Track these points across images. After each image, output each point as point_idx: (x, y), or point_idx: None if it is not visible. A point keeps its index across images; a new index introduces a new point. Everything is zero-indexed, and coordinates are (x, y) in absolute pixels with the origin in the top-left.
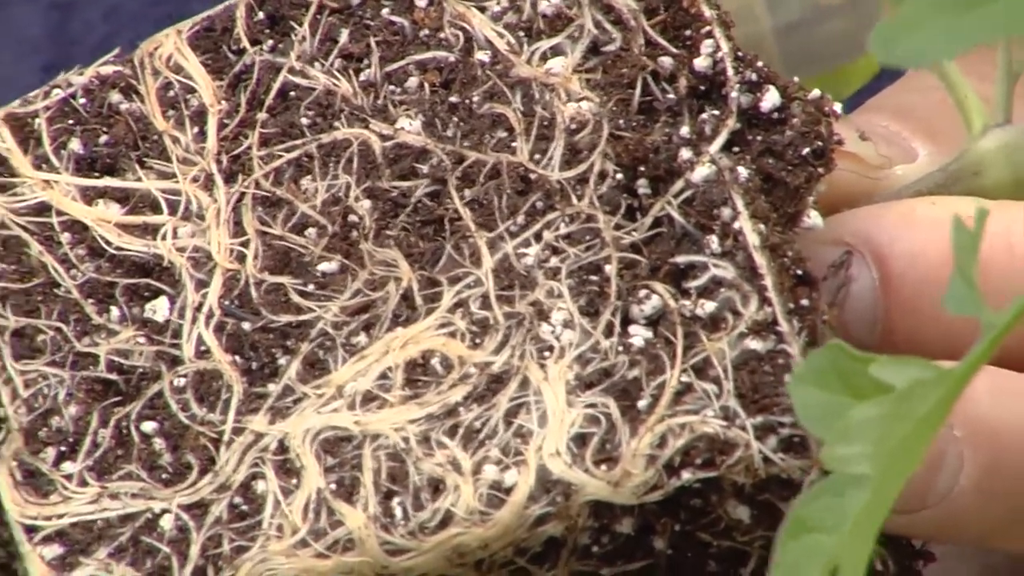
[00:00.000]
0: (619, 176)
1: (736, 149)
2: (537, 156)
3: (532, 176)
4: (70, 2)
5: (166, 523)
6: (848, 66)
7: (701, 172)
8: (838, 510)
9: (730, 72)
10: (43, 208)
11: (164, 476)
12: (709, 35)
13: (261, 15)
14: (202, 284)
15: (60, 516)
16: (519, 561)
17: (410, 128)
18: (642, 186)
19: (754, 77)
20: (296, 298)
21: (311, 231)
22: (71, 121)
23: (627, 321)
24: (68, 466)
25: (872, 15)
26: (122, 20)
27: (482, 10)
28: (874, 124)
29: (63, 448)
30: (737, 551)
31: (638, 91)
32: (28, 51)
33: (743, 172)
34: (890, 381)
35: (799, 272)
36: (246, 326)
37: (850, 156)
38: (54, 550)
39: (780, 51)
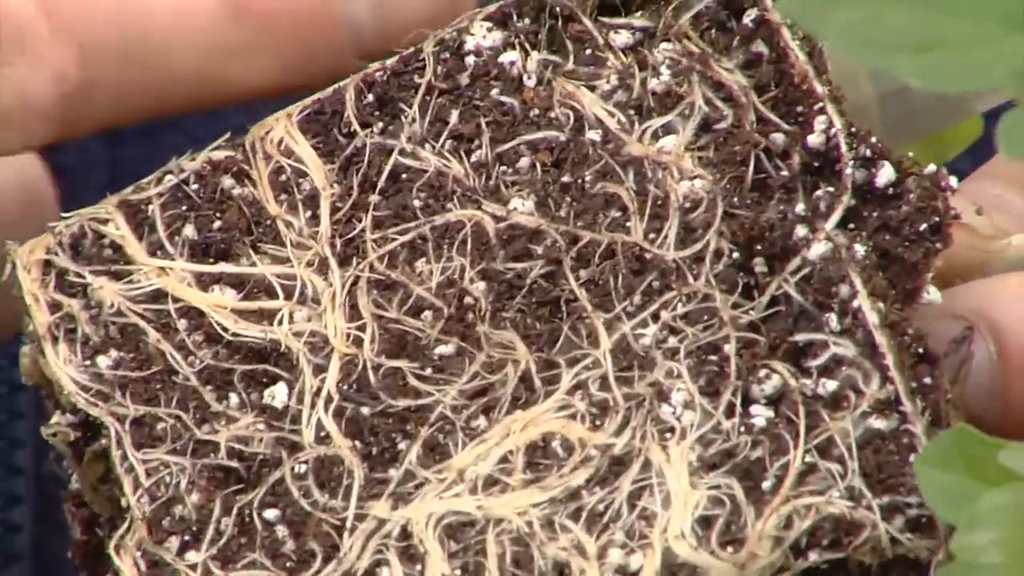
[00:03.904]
0: (735, 254)
1: (851, 226)
2: (652, 235)
3: (647, 256)
4: None
5: None
6: (949, 131)
7: (817, 249)
8: None
9: (844, 148)
10: (159, 295)
11: (288, 564)
12: (822, 111)
13: (370, 97)
14: (320, 369)
15: None
16: None
17: (523, 209)
18: (758, 264)
19: (868, 153)
20: (414, 382)
21: (427, 314)
22: (184, 207)
23: (748, 401)
24: (192, 555)
25: None
26: None
27: (591, 89)
28: (987, 192)
29: (187, 537)
30: None
31: (751, 168)
32: None
33: (859, 249)
34: (1019, 467)
35: (920, 350)
36: (365, 411)
37: (964, 228)
38: None
39: (882, 118)
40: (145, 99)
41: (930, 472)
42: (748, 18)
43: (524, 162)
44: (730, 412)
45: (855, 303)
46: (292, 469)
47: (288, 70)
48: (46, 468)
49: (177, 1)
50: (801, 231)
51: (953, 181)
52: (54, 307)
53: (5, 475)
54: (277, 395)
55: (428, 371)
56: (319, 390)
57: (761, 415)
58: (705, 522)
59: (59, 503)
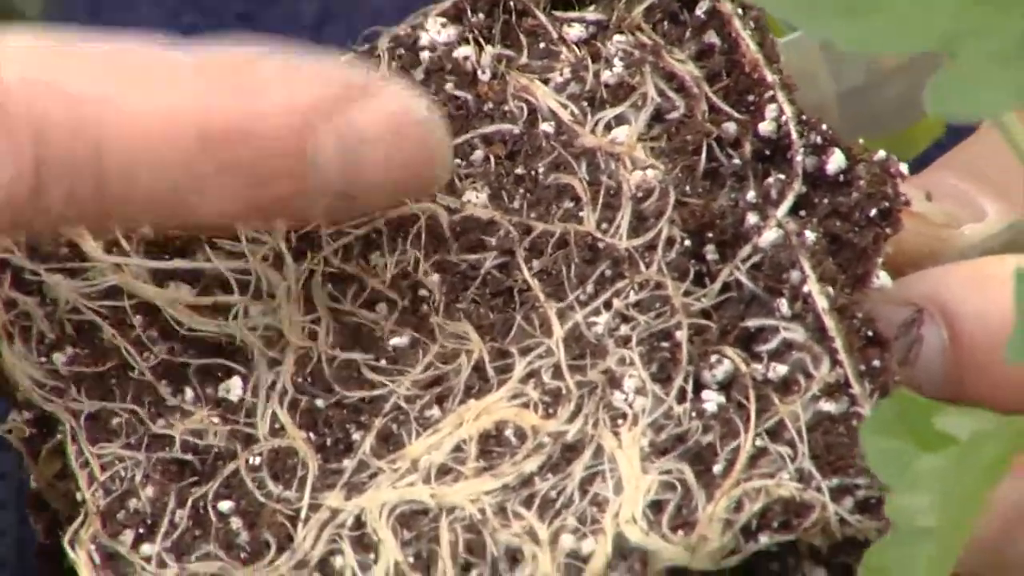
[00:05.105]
0: (687, 242)
1: (802, 212)
2: (604, 225)
3: (600, 245)
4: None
5: None
6: (911, 129)
7: (768, 236)
8: (907, 562)
9: (794, 135)
10: (114, 291)
11: (242, 555)
12: (772, 99)
13: None
14: (275, 362)
15: None
16: None
17: (477, 201)
18: (710, 252)
19: (818, 140)
20: (368, 373)
21: (381, 306)
22: None
23: (699, 386)
24: (147, 548)
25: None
26: None
27: (545, 82)
28: (942, 183)
29: (141, 530)
30: None
31: (703, 157)
32: None
33: (810, 235)
34: (954, 431)
35: (869, 333)
36: (319, 403)
37: (916, 216)
38: None
39: (843, 116)
40: (96, 215)
41: (873, 437)
42: (700, 9)
43: (478, 155)
44: (681, 398)
45: (805, 288)
46: (247, 461)
47: (249, 209)
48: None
49: (141, 124)
50: (752, 218)
51: (903, 167)
52: (9, 305)
53: None
54: (232, 389)
55: (382, 362)
56: (274, 383)
57: (712, 400)
58: (656, 506)
59: None
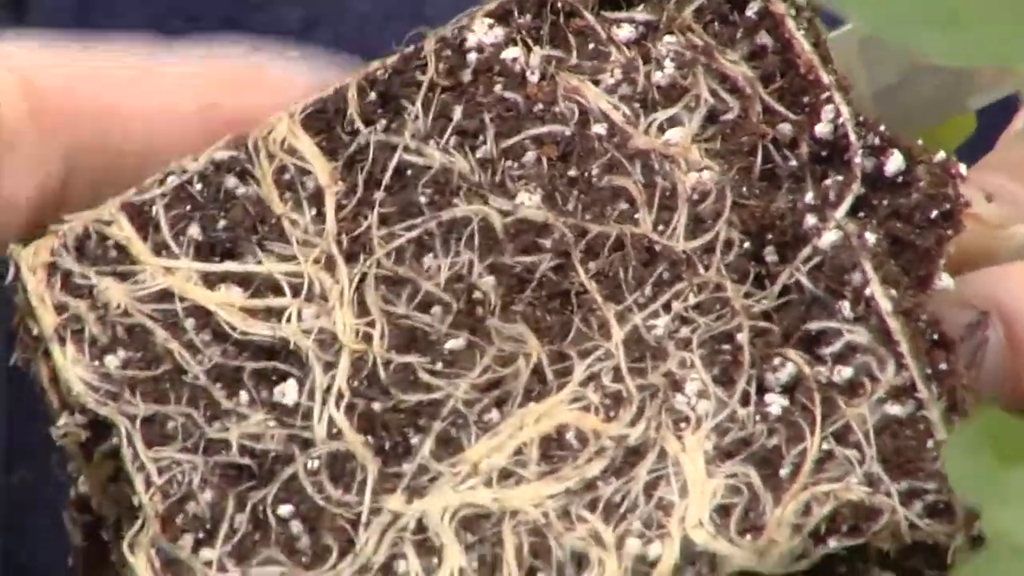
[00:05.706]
0: (746, 244)
1: (862, 214)
2: (660, 227)
3: (657, 247)
4: None
5: None
6: (939, 128)
7: (828, 238)
8: None
9: (852, 137)
10: (165, 295)
11: (304, 559)
12: (829, 100)
13: (373, 95)
14: (330, 366)
15: None
16: None
17: (530, 203)
18: (769, 253)
19: (877, 141)
20: (425, 376)
21: (436, 309)
22: (188, 207)
23: (762, 389)
24: (207, 552)
25: (965, 76)
26: None
27: (596, 83)
28: (989, 182)
29: (201, 534)
30: None
31: (759, 158)
32: None
33: (870, 237)
34: None
35: (934, 336)
36: (376, 406)
37: (972, 216)
38: None
39: (879, 113)
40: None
41: (955, 454)
42: (751, 10)
43: (530, 156)
44: (745, 401)
45: (867, 291)
46: (305, 465)
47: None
48: (16, 478)
49: (153, 104)
50: (811, 220)
51: (963, 168)
52: (60, 308)
53: None
54: (287, 392)
55: (439, 366)
56: (329, 387)
57: (776, 403)
58: (723, 510)
59: (29, 512)
